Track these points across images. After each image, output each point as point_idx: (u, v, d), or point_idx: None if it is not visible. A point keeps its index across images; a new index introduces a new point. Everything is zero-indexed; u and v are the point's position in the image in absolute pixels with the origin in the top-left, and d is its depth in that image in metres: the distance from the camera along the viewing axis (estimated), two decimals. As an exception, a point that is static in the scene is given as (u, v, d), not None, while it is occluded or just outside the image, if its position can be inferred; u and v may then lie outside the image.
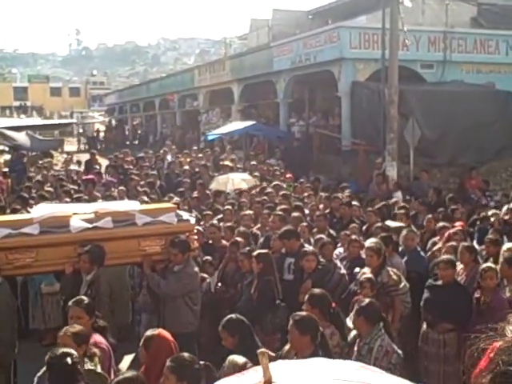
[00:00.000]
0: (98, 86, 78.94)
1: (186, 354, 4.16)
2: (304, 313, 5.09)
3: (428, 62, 20.70)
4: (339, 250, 8.55)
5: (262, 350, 2.02)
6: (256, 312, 6.72)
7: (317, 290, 5.82)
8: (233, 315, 5.23)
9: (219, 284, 8.03)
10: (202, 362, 4.09)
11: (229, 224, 9.46)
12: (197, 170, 15.84)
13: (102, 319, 6.37)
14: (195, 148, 22.47)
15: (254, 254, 7.30)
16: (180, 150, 23.00)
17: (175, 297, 6.70)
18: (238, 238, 8.42)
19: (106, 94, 61.15)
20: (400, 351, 5.29)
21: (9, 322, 6.13)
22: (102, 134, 45.35)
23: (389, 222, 8.90)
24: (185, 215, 7.29)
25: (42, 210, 6.82)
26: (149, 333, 4.78)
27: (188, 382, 3.93)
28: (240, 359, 4.40)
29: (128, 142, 39.54)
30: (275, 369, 1.96)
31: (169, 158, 18.97)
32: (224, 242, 8.91)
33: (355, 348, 5.39)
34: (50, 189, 12.86)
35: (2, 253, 6.22)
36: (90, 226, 6.55)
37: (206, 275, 7.81)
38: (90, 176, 15.57)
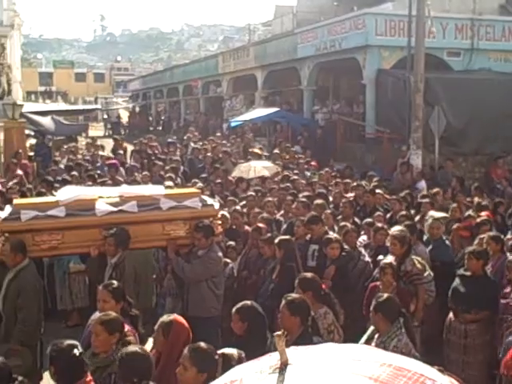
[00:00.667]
0: (122, 72, 79.33)
1: (205, 344, 4.03)
2: (297, 295, 5.08)
3: (455, 49, 20.40)
4: (363, 238, 8.53)
5: (279, 332, 2.02)
6: (277, 298, 6.73)
7: (307, 274, 5.85)
8: (249, 302, 5.15)
9: (243, 270, 8.05)
10: (219, 352, 4.02)
11: (253, 210, 9.48)
12: (220, 155, 15.85)
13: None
14: (219, 134, 22.49)
15: (276, 240, 7.30)
16: (203, 136, 23.04)
17: (199, 281, 6.72)
18: (261, 224, 8.42)
19: (130, 80, 61.43)
20: (417, 353, 4.99)
21: (35, 302, 6.20)
22: (125, 120, 45.54)
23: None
24: (209, 200, 7.31)
25: (67, 193, 6.89)
26: (166, 318, 4.70)
27: (208, 374, 3.82)
28: (233, 351, 4.29)
29: (152, 128, 39.68)
30: (291, 352, 1.98)
31: (192, 144, 18.99)
32: (247, 227, 8.94)
33: (373, 344, 5.25)
34: (75, 173, 12.96)
35: (28, 234, 6.30)
36: (115, 209, 6.59)
37: (229, 260, 7.83)
38: (112, 161, 15.67)
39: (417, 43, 15.17)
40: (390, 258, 6.85)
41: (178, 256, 6.81)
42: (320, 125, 22.62)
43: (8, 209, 6.70)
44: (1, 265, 6.43)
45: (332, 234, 7.75)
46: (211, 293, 6.77)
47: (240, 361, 4.23)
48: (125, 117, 46.79)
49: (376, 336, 5.15)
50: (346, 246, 7.48)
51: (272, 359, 1.98)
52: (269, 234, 7.95)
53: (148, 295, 7.69)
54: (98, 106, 48.56)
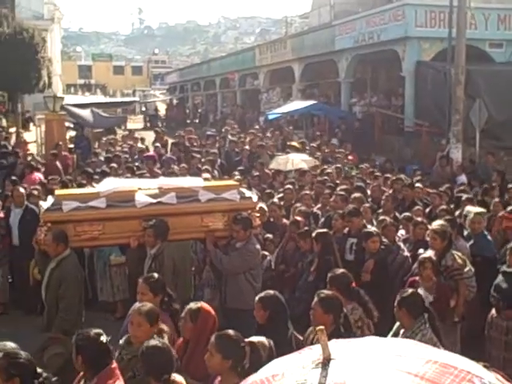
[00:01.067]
0: (159, 65, 79.94)
1: (231, 332, 4.05)
2: (330, 292, 5.02)
3: (497, 40, 20.00)
4: (401, 232, 8.43)
5: (321, 327, 2.00)
6: (315, 291, 6.70)
7: (337, 270, 5.75)
8: (271, 291, 5.15)
9: (280, 263, 8.05)
10: (246, 340, 4.02)
11: (290, 203, 9.47)
12: (257, 147, 15.82)
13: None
14: (257, 127, 22.49)
15: (314, 234, 7.27)
16: (240, 129, 23.07)
17: (237, 273, 6.73)
18: (298, 218, 8.40)
19: (168, 73, 61.88)
20: (442, 348, 4.79)
21: (76, 292, 6.30)
22: (162, 113, 45.91)
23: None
24: (247, 193, 7.31)
25: (108, 185, 6.98)
26: (193, 305, 4.73)
27: (234, 361, 3.86)
28: (264, 339, 4.31)
29: (189, 121, 39.92)
30: (334, 346, 1.96)
31: (230, 136, 19.02)
32: (284, 220, 8.92)
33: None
34: (114, 165, 13.12)
35: (70, 225, 6.40)
36: (154, 201, 6.65)
37: (266, 253, 7.83)
38: (150, 153, 15.81)
39: (458, 34, 14.91)
40: (429, 253, 6.76)
41: (217, 248, 6.84)
42: (358, 117, 22.45)
43: (50, 199, 6.83)
44: (43, 254, 6.56)
45: (371, 228, 7.69)
46: (249, 285, 6.77)
47: (270, 349, 4.25)
48: (162, 109, 47.17)
49: (401, 332, 5.10)
50: (384, 240, 7.42)
51: (314, 353, 1.95)
52: (305, 228, 7.92)
53: (186, 287, 7.72)
54: (137, 99, 49.03)
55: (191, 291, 8.29)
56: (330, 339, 4.55)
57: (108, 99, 42.42)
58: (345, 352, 1.92)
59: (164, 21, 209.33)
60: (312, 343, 4.76)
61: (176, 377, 4.00)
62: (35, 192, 9.68)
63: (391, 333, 5.23)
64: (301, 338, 5.05)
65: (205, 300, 7.51)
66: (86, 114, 22.54)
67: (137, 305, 4.78)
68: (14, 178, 11.59)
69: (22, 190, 9.51)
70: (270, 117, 25.03)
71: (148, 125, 40.46)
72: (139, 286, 5.26)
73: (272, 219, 8.99)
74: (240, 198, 6.92)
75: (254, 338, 4.31)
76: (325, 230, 7.60)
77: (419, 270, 6.36)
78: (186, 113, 44.88)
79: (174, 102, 49.78)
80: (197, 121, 40.24)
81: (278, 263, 8.09)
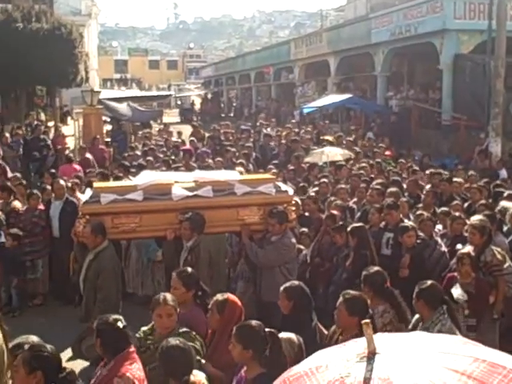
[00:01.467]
0: (194, 59, 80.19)
1: (252, 322, 4.09)
2: (356, 292, 4.86)
3: (538, 32, 19.51)
4: (438, 227, 8.30)
5: (367, 320, 1.98)
6: (350, 286, 6.66)
7: (372, 268, 5.60)
8: (296, 282, 5.19)
9: (315, 257, 8.00)
10: (267, 330, 4.00)
11: (325, 197, 9.42)
12: (292, 141, 15.78)
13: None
14: (294, 121, 22.43)
15: (349, 228, 7.21)
16: (275, 123, 23.03)
17: (272, 267, 6.72)
18: (334, 212, 8.34)
19: (203, 67, 62.07)
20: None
21: (114, 283, 6.39)
22: (197, 107, 46.13)
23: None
24: (283, 186, 7.30)
25: (145, 178, 7.04)
26: (220, 297, 4.75)
27: (254, 350, 3.90)
28: (293, 336, 4.30)
29: (223, 115, 40.02)
30: (379, 340, 1.93)
31: (264, 130, 19.01)
32: (319, 214, 8.87)
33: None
34: (150, 158, 13.24)
35: (108, 217, 6.48)
36: (190, 194, 6.69)
37: (302, 247, 7.80)
38: (187, 147, 15.91)
39: (498, 26, 14.61)
40: (468, 248, 6.65)
41: (252, 241, 6.84)
42: (394, 111, 22.20)
43: (88, 192, 6.92)
44: (82, 246, 6.65)
45: (407, 222, 7.60)
46: (284, 279, 6.72)
47: (300, 346, 4.25)
48: (197, 103, 47.39)
49: (420, 324, 5.05)
50: (420, 234, 7.32)
51: (358, 346, 1.93)
52: (340, 222, 7.85)
53: (221, 279, 7.75)
54: (172, 93, 49.33)
55: (225, 284, 8.34)
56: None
57: (144, 93, 42.72)
58: (390, 347, 1.89)
59: (199, 15, 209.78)
60: (336, 343, 4.74)
61: (198, 374, 4.03)
62: (74, 185, 9.86)
63: (410, 325, 5.16)
64: (325, 331, 5.03)
65: (238, 292, 7.55)
66: (122, 107, 22.77)
67: (163, 298, 4.70)
68: (52, 170, 11.82)
69: (62, 182, 9.68)
70: (305, 110, 24.93)
71: (183, 118, 40.71)
72: (172, 279, 5.29)
73: (307, 213, 8.95)
74: (276, 192, 6.91)
75: (284, 334, 4.30)
76: (360, 224, 7.52)
77: (457, 266, 6.26)
78: (221, 107, 45.02)
79: (209, 96, 49.95)
80: (231, 115, 40.32)
81: (313, 257, 8.06)
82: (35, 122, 19.14)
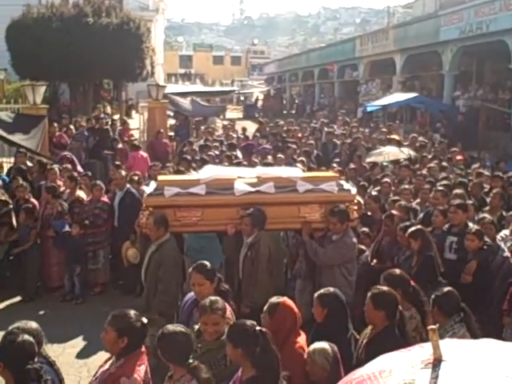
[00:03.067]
0: (257, 55, 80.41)
1: (243, 321, 4.06)
2: (385, 287, 4.79)
3: None
4: (505, 233, 8.02)
5: (433, 326, 1.93)
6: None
7: (395, 270, 5.44)
8: (331, 289, 4.99)
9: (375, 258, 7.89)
10: (258, 328, 3.93)
11: (388, 197, 9.27)
12: (354, 139, 15.59)
13: (260, 282, 6.57)
14: (355, 120, 22.19)
15: (408, 232, 7.00)
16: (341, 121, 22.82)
17: (331, 266, 6.67)
18: (394, 211, 8.20)
19: (266, 63, 62.20)
20: None
21: (174, 275, 6.46)
22: (260, 103, 46.26)
23: None
24: (346, 185, 7.22)
25: (208, 172, 7.10)
26: (274, 300, 4.68)
27: (243, 349, 3.85)
28: (327, 345, 4.22)
29: (285, 111, 40.00)
30: (445, 347, 1.87)
31: (326, 128, 18.85)
32: (381, 214, 8.72)
33: None
34: (212, 153, 13.36)
35: (171, 210, 6.57)
36: (252, 189, 6.69)
37: (364, 247, 7.70)
38: (248, 142, 15.95)
39: None
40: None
41: (312, 239, 6.80)
42: (461, 111, 21.66)
43: (153, 185, 7.04)
44: (145, 238, 6.77)
45: (472, 226, 7.37)
46: (343, 278, 6.69)
47: (335, 356, 4.18)
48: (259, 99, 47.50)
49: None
50: (487, 240, 7.09)
51: (424, 352, 1.89)
52: (407, 223, 7.67)
53: (280, 276, 7.76)
54: (235, 88, 49.64)
55: (283, 281, 8.33)
56: (381, 336, 4.41)
57: (208, 88, 43.13)
58: (456, 354, 1.84)
59: (264, 11, 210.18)
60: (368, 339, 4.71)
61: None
62: (135, 177, 10.05)
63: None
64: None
65: (296, 291, 7.54)
66: (186, 102, 23.04)
67: (207, 304, 4.62)
68: (117, 163, 12.07)
69: (123, 173, 9.90)
70: (369, 109, 24.62)
71: (245, 114, 40.91)
72: (193, 277, 5.21)
73: (369, 213, 8.83)
74: (338, 190, 6.84)
75: (317, 344, 4.25)
76: (420, 226, 7.30)
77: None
78: (283, 103, 44.98)
79: (272, 92, 50.01)
80: (293, 111, 40.25)
81: (373, 257, 7.94)
82: (101, 115, 19.58)
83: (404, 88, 26.34)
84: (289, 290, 8.41)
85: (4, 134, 11.65)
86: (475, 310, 6.33)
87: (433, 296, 4.94)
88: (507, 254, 7.24)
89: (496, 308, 6.66)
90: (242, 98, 48.52)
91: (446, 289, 5.03)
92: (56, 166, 10.81)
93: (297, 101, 44.40)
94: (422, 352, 1.91)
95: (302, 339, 4.58)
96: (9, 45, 22.62)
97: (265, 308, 4.67)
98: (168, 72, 58.08)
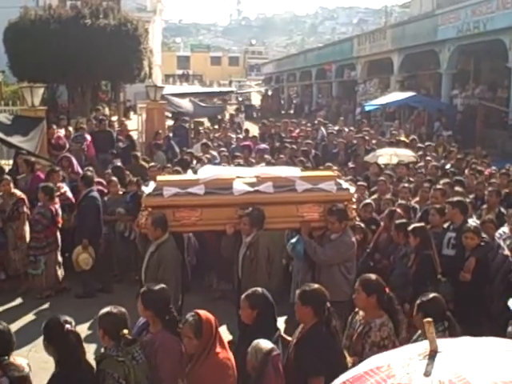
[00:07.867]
0: (255, 56, 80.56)
1: (156, 286, 4.76)
2: (315, 285, 4.80)
3: None
4: (503, 230, 8.04)
5: (429, 319, 1.96)
6: (412, 287, 6.54)
7: (371, 275, 5.10)
8: (260, 289, 4.78)
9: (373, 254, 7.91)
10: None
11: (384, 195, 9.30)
12: (354, 141, 15.58)
13: (259, 281, 6.57)
14: (358, 119, 22.18)
15: (410, 228, 7.03)
16: (335, 120, 22.84)
17: (330, 265, 6.69)
18: (393, 208, 8.21)
19: (264, 64, 62.22)
20: None
21: (174, 274, 6.46)
22: (256, 103, 46.25)
23: None
24: (344, 184, 7.23)
25: (207, 172, 7.11)
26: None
27: (154, 311, 4.54)
28: (265, 344, 4.16)
29: (283, 112, 40.01)
30: (441, 340, 1.92)
31: (323, 129, 18.81)
32: (374, 214, 8.72)
33: None
34: (212, 153, 13.37)
35: (170, 210, 6.58)
36: (251, 189, 6.71)
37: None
38: (247, 142, 15.95)
39: None
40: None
41: (311, 238, 6.82)
42: (459, 110, 21.70)
43: (152, 185, 7.05)
44: (144, 238, 6.78)
45: (470, 223, 7.38)
46: (343, 277, 6.71)
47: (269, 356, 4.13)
48: (257, 100, 47.49)
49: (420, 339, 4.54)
50: (484, 236, 7.10)
51: (421, 347, 1.94)
52: (403, 220, 7.68)
53: (277, 276, 7.79)
54: (233, 89, 49.63)
55: (282, 281, 8.35)
56: (311, 335, 4.39)
57: (206, 89, 43.11)
58: (452, 346, 1.90)
59: (262, 12, 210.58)
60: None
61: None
62: (138, 180, 10.09)
63: (411, 341, 4.66)
64: (289, 338, 4.81)
65: (292, 289, 7.55)
66: (184, 103, 23.01)
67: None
68: (118, 164, 12.09)
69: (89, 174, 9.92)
70: (367, 108, 24.65)
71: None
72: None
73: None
74: (336, 189, 6.86)
75: (261, 341, 4.18)
76: (422, 224, 7.35)
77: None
78: (281, 103, 44.98)
79: (269, 92, 50.02)
80: (291, 111, 40.27)
81: (370, 254, 7.95)
82: (100, 117, 19.60)
83: (402, 87, 26.38)
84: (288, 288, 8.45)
85: (3, 136, 11.64)
86: (474, 307, 6.38)
87: (418, 301, 4.73)
88: (507, 252, 7.26)
89: (496, 306, 6.69)
90: (240, 99, 48.48)
91: (432, 295, 4.83)
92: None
93: (295, 101, 44.42)
94: (418, 347, 1.96)
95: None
96: (6, 47, 22.66)
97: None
98: (166, 73, 58.11)
